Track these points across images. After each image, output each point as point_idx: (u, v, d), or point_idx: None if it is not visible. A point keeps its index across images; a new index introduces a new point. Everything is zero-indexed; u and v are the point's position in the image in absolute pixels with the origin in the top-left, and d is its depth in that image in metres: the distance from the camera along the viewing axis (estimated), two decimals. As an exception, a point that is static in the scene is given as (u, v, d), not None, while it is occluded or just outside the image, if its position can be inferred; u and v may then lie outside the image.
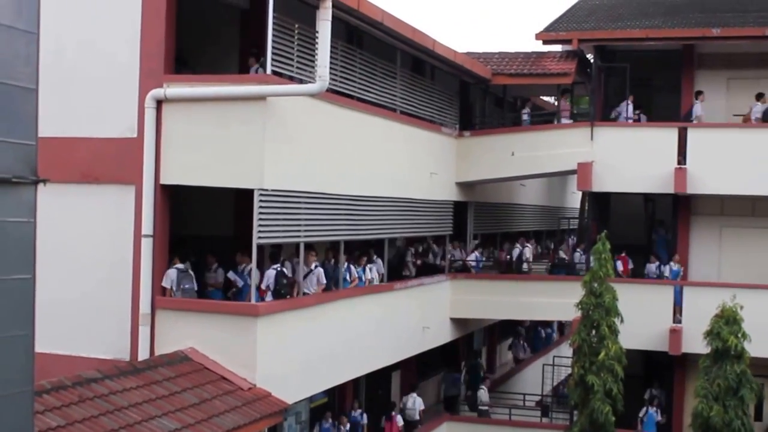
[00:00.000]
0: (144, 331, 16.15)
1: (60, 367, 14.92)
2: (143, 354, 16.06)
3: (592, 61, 27.06)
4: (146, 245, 16.16)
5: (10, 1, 8.49)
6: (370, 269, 20.87)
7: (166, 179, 16.30)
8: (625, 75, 25.93)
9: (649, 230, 28.65)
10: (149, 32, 16.25)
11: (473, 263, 27.24)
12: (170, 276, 16.33)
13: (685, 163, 24.46)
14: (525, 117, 28.10)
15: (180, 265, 16.50)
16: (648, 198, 29.01)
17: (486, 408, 27.29)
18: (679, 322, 24.18)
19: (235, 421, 14.48)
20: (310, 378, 17.95)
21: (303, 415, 20.02)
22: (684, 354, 24.22)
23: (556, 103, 30.48)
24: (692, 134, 24.69)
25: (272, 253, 17.90)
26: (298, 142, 17.22)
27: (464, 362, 30.17)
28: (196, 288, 16.72)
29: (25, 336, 8.77)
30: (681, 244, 25.92)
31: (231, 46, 19.49)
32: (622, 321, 20.44)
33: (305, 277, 17.81)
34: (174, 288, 16.34)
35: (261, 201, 15.93)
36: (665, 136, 24.83)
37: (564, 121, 27.28)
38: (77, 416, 12.49)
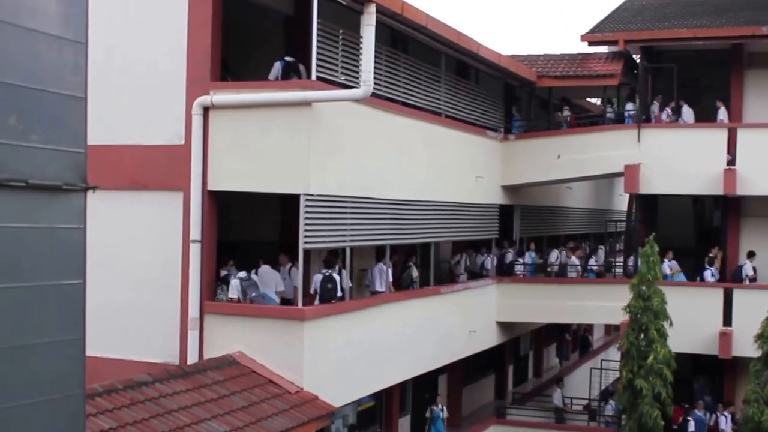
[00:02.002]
0: (193, 335, 16.35)
1: (111, 371, 15.19)
2: (192, 358, 16.24)
3: (638, 62, 26.89)
4: (194, 250, 16.34)
5: (58, 12, 8.58)
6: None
7: (213, 185, 16.47)
8: (673, 75, 25.73)
9: (697, 232, 28.39)
10: (196, 40, 16.44)
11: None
12: (235, 287, 16.45)
13: (734, 164, 24.20)
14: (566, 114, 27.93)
15: (242, 274, 16.63)
16: (697, 200, 28.74)
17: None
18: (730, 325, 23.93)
19: (282, 424, 14.58)
20: (357, 381, 18.03)
21: (350, 418, 20.05)
22: (734, 358, 23.93)
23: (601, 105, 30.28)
24: (742, 135, 24.41)
25: (325, 259, 17.94)
26: (343, 147, 17.30)
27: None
28: (262, 293, 16.81)
29: (76, 340, 8.77)
30: (731, 246, 25.63)
31: (275, 52, 19.59)
32: (671, 324, 20.26)
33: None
34: (241, 298, 16.46)
35: (307, 206, 16.03)
36: (714, 137, 24.59)
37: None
38: (128, 419, 12.65)
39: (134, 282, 16.98)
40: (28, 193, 8.14)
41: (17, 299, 8.12)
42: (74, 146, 8.69)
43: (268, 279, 17.09)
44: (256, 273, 17.08)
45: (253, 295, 16.53)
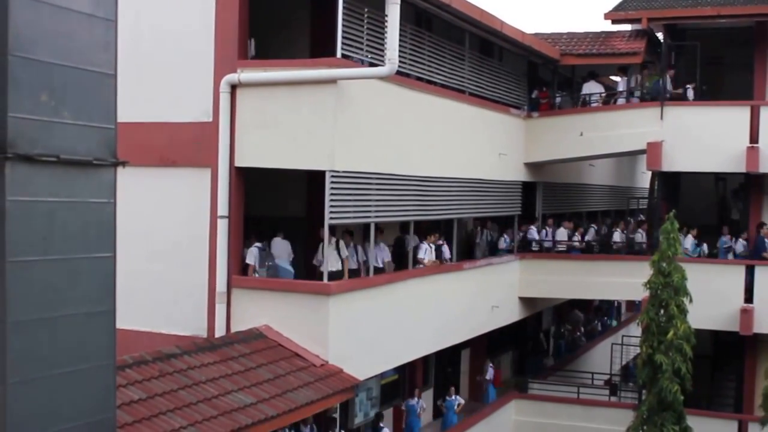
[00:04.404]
0: (220, 309, 16.55)
1: (141, 343, 15.44)
2: (220, 331, 16.46)
3: (661, 39, 26.84)
4: (222, 226, 16.53)
5: (89, -10, 8.78)
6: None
7: (240, 162, 16.64)
8: (696, 53, 25.68)
9: (719, 210, 28.35)
10: (223, 18, 16.58)
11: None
12: (253, 253, 16.71)
13: (757, 142, 24.16)
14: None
15: (259, 244, 16.83)
16: (719, 177, 28.71)
17: None
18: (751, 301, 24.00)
19: (308, 397, 14.77)
20: (381, 355, 18.23)
21: (374, 391, 20.30)
22: (755, 334, 24.01)
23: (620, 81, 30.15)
24: (765, 113, 24.23)
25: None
26: (368, 124, 17.42)
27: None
28: (275, 263, 17.00)
29: (107, 312, 9.01)
30: (753, 223, 25.63)
31: (302, 30, 19.73)
32: (690, 300, 20.30)
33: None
34: (257, 265, 16.67)
35: (332, 182, 16.18)
36: (737, 115, 24.50)
37: (620, 101, 27.21)
38: (158, 390, 12.87)
39: (163, 257, 17.20)
40: (59, 168, 8.36)
41: (49, 272, 8.34)
42: (105, 122, 8.86)
43: (281, 250, 17.30)
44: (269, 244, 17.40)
45: (269, 264, 16.80)
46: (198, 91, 16.84)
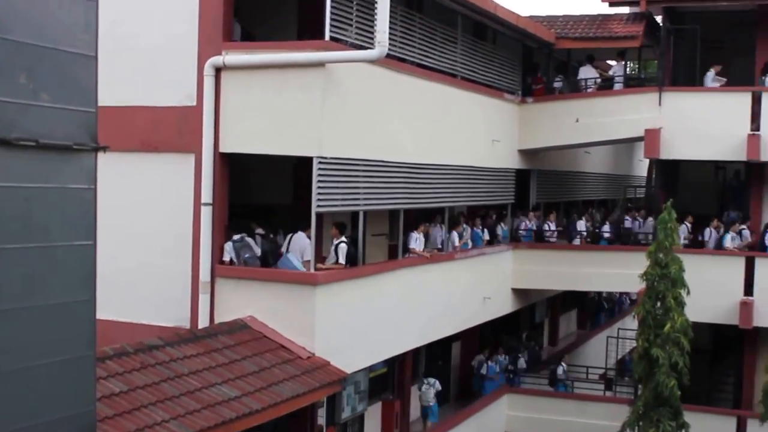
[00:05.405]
0: (204, 299, 16.35)
1: (122, 334, 15.24)
2: (203, 322, 16.27)
3: (660, 23, 26.47)
4: (206, 213, 16.31)
5: (70, -31, 8.66)
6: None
7: (225, 147, 16.40)
8: (696, 38, 25.32)
9: (719, 200, 28.13)
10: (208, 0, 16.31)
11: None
12: (227, 249, 16.48)
13: (758, 130, 23.79)
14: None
15: (236, 237, 16.58)
16: (719, 166, 28.45)
17: None
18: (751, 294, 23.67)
19: (294, 390, 14.63)
20: (370, 348, 18.04)
21: (362, 384, 20.11)
22: (755, 328, 23.74)
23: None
24: (767, 99, 23.96)
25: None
26: (357, 109, 17.17)
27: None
28: (259, 254, 16.75)
29: (86, 301, 9.00)
30: (753, 213, 25.34)
31: (290, 13, 19.49)
32: (688, 293, 20.08)
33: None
34: (235, 260, 16.47)
35: (320, 169, 15.93)
36: (738, 102, 24.18)
37: (617, 86, 26.89)
38: (139, 382, 12.77)
39: (145, 245, 17.00)
40: (38, 152, 8.37)
41: (28, 260, 8.35)
42: (85, 105, 8.90)
43: (296, 245, 16.90)
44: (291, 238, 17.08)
45: (246, 256, 16.53)
46: (181, 74, 16.57)
